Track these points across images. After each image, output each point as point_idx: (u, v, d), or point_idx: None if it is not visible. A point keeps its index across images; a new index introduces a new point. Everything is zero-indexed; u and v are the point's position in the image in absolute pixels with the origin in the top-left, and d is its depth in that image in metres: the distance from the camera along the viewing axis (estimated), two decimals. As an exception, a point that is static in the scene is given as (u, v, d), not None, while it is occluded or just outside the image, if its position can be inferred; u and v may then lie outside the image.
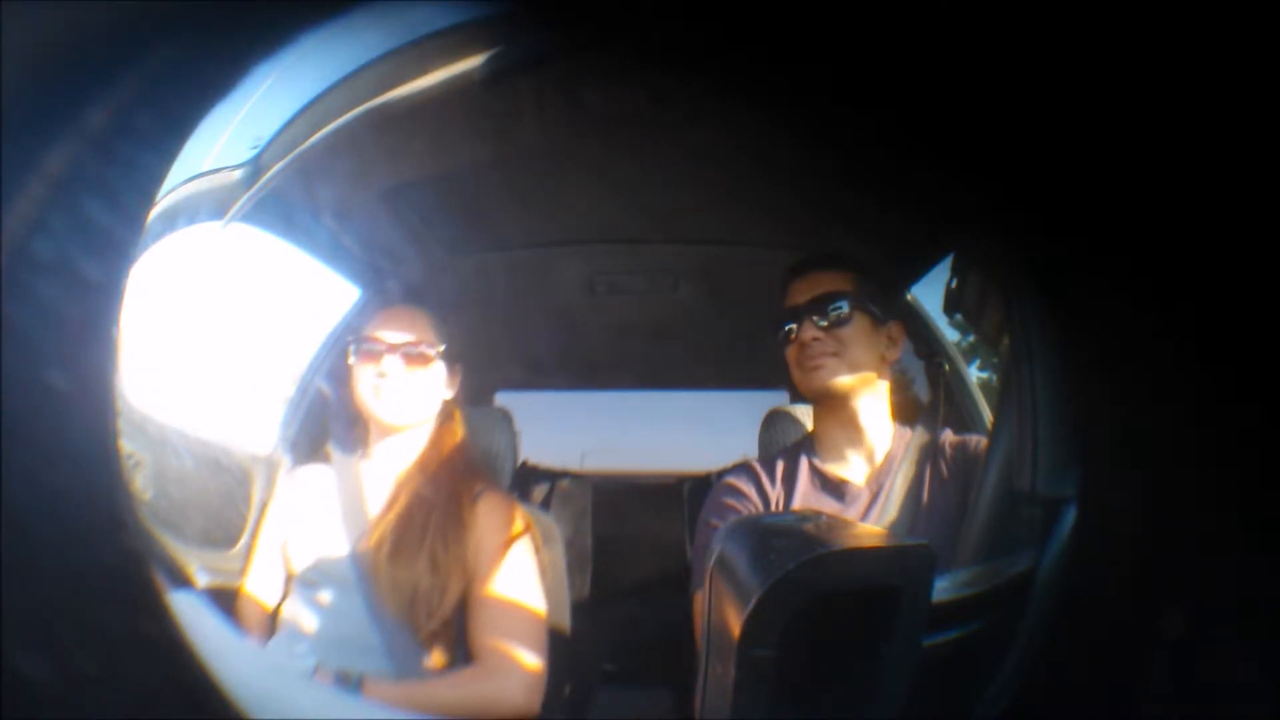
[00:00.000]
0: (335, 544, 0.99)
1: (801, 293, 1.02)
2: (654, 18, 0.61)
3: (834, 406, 1.01)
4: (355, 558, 0.98)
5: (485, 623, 0.97)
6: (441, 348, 1.05)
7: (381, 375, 1.02)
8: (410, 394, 1.04)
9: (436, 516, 1.00)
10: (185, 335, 0.86)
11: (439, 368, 1.05)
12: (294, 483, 1.03)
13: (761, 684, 0.52)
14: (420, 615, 0.96)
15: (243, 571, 0.99)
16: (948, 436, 1.00)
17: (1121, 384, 0.59)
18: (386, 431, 1.04)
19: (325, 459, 1.05)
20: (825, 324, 1.00)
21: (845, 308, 1.00)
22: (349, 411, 1.05)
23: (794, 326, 1.01)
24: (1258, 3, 0.42)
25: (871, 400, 1.00)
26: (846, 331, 1.00)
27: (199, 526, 0.92)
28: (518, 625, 0.98)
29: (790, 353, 1.02)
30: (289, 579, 0.99)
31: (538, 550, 1.04)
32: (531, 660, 0.96)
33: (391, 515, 1.00)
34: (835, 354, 1.00)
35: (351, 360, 1.04)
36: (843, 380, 1.00)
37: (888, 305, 1.02)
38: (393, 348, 1.02)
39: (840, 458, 1.01)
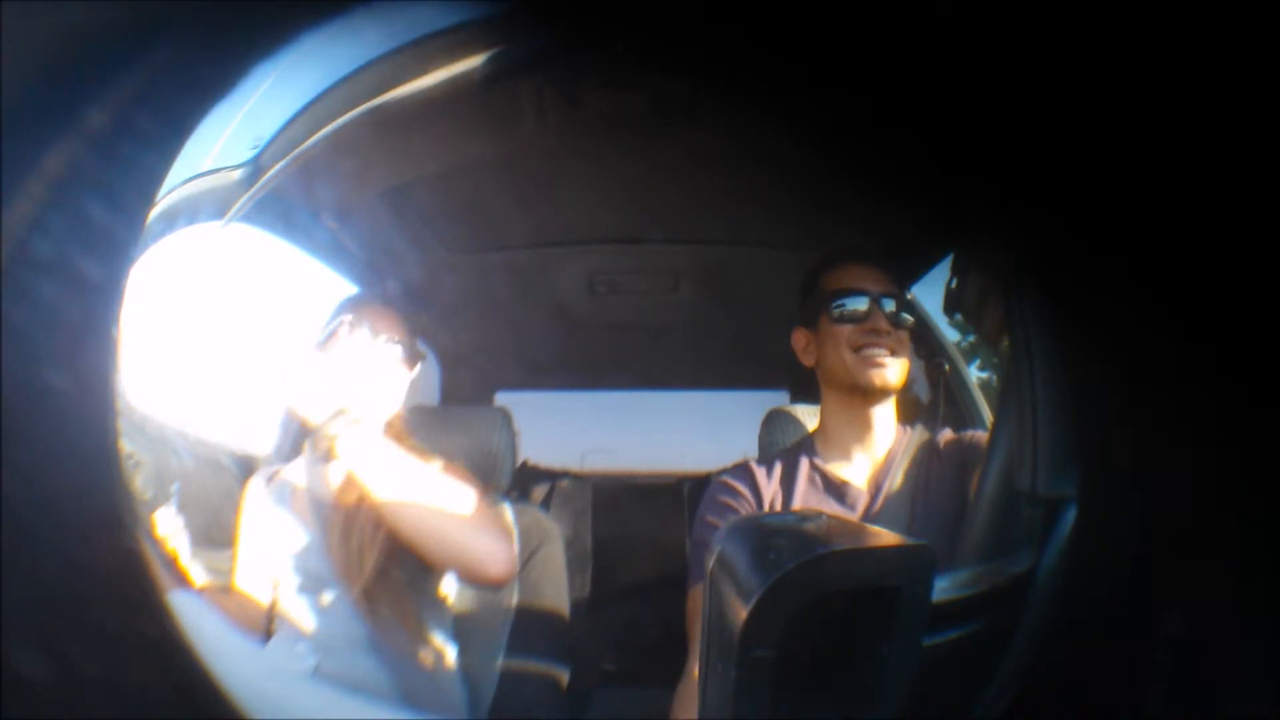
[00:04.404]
0: (305, 540, 0.99)
1: (869, 279, 0.98)
2: (654, 18, 0.61)
3: (860, 405, 0.99)
4: (322, 550, 0.98)
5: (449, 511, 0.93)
6: (402, 339, 1.04)
7: (361, 364, 1.01)
8: (385, 386, 1.03)
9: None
10: (185, 335, 0.86)
11: (399, 360, 1.04)
12: (268, 484, 1.03)
13: (762, 684, 0.52)
14: (353, 571, 0.94)
15: (233, 571, 0.99)
16: (945, 434, 1.00)
17: (1121, 384, 0.59)
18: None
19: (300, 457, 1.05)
20: (895, 322, 0.96)
21: (910, 311, 0.98)
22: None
23: (859, 308, 0.96)
24: (1258, 3, 0.42)
25: (890, 403, 1.00)
26: (905, 334, 0.98)
27: (199, 526, 0.92)
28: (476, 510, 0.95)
29: (847, 330, 0.97)
30: (276, 579, 1.00)
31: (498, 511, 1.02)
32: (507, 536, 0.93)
33: (341, 501, 0.99)
34: (895, 352, 0.96)
35: (329, 345, 1.02)
36: (896, 382, 0.97)
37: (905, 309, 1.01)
38: (383, 340, 1.01)
39: (844, 457, 1.01)
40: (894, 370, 0.97)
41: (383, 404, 1.03)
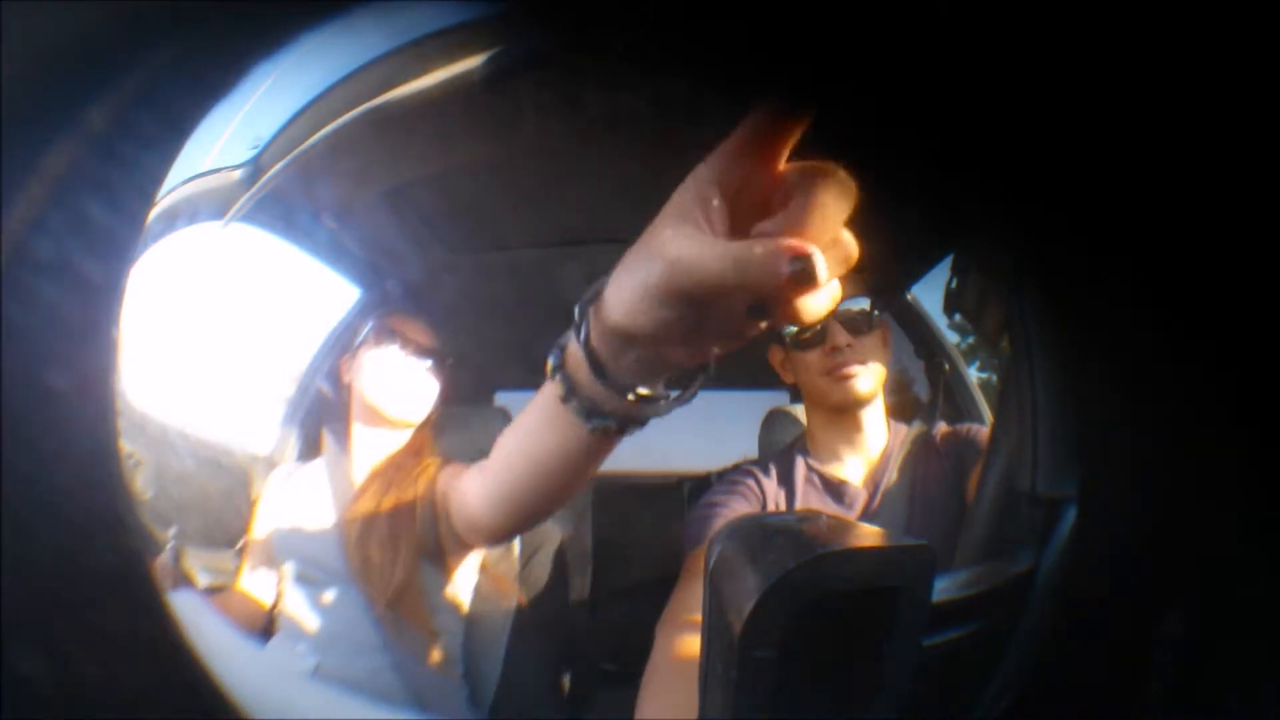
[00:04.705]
0: (321, 539, 0.99)
1: None
2: (654, 18, 0.61)
3: (846, 415, 0.99)
4: (337, 552, 0.98)
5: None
6: (432, 350, 1.06)
7: (402, 368, 1.03)
8: (423, 392, 1.05)
9: (393, 490, 1.00)
10: (185, 335, 0.86)
11: (430, 371, 1.06)
12: (284, 481, 1.03)
13: (762, 684, 0.52)
14: (376, 586, 0.95)
15: (237, 571, 0.99)
16: (940, 428, 1.00)
17: (1122, 384, 0.59)
18: (379, 422, 1.04)
19: (317, 455, 1.05)
20: (856, 329, 0.94)
21: (874, 313, 0.95)
22: (342, 404, 1.05)
23: (811, 330, 0.94)
24: (1258, 3, 0.41)
25: (877, 402, 1.00)
26: (872, 339, 0.96)
27: (199, 526, 0.92)
28: None
29: (812, 358, 0.96)
30: (282, 578, 1.00)
31: None
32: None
33: (361, 503, 1.00)
34: (863, 362, 0.95)
35: (366, 350, 1.04)
36: (871, 389, 0.96)
37: (890, 306, 1.00)
38: (420, 347, 1.04)
39: (836, 458, 1.01)
40: (866, 379, 0.95)
41: (417, 414, 1.05)
